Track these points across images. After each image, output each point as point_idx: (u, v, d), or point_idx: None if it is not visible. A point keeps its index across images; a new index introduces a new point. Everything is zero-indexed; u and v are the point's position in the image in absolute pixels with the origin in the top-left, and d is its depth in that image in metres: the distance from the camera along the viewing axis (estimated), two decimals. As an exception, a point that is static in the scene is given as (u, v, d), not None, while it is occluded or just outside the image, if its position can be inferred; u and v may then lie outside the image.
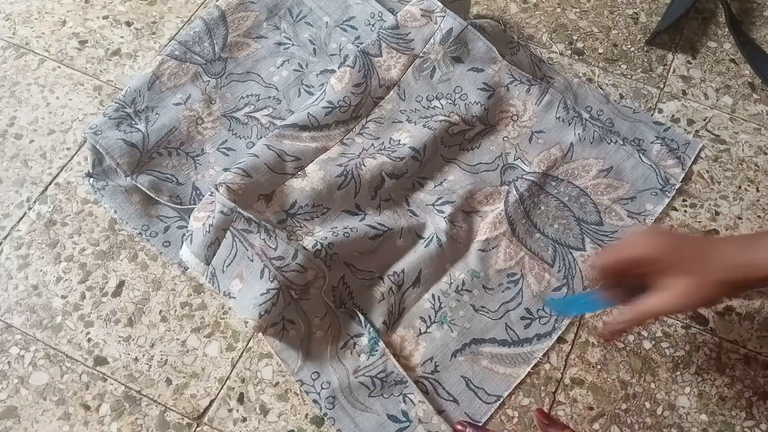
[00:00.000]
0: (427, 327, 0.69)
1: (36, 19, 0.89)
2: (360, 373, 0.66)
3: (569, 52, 0.88)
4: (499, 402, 0.66)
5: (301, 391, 0.66)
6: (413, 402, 0.65)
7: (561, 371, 0.68)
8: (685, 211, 0.76)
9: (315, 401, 0.65)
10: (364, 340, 0.67)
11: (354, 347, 0.67)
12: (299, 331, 0.67)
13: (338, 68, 0.80)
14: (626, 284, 0.59)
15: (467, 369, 0.67)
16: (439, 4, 0.80)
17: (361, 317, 0.68)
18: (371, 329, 0.67)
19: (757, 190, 0.78)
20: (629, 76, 0.86)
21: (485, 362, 0.67)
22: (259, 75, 0.83)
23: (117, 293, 0.71)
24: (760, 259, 0.53)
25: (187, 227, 0.71)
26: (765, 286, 0.58)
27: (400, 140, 0.77)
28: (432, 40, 0.79)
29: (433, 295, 0.70)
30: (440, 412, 0.65)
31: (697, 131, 0.82)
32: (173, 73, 0.81)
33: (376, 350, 0.66)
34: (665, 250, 0.56)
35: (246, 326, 0.69)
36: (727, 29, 0.90)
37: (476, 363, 0.68)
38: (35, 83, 0.84)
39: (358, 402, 0.65)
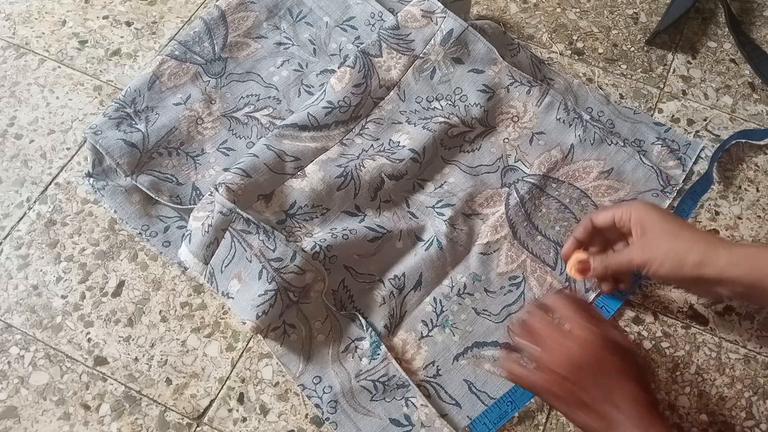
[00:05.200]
0: (429, 330, 0.69)
1: (36, 19, 0.89)
2: (362, 377, 0.66)
3: (569, 52, 0.88)
4: (501, 405, 0.66)
5: (302, 393, 0.66)
6: (415, 406, 0.65)
7: (561, 372, 0.68)
8: (685, 211, 0.76)
9: (317, 405, 0.65)
10: (365, 344, 0.67)
11: (355, 351, 0.67)
12: (300, 335, 0.67)
13: (338, 68, 0.80)
14: (601, 241, 0.69)
15: (469, 372, 0.67)
16: (440, 4, 0.79)
17: (363, 321, 0.68)
18: (373, 333, 0.67)
19: (757, 190, 0.78)
20: (629, 76, 0.86)
21: (487, 365, 0.67)
22: (259, 75, 0.83)
23: (117, 293, 0.71)
24: (709, 264, 0.59)
25: (186, 227, 0.71)
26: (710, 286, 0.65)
27: (399, 142, 0.77)
28: (432, 41, 0.79)
29: (434, 299, 0.70)
30: (443, 415, 0.65)
31: (697, 131, 0.82)
32: (173, 73, 0.81)
33: (378, 354, 0.66)
34: (649, 213, 0.63)
35: (244, 326, 0.69)
36: (727, 29, 0.90)
37: (478, 366, 0.67)
38: (35, 83, 0.84)
39: (360, 406, 0.65)
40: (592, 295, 0.71)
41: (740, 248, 0.60)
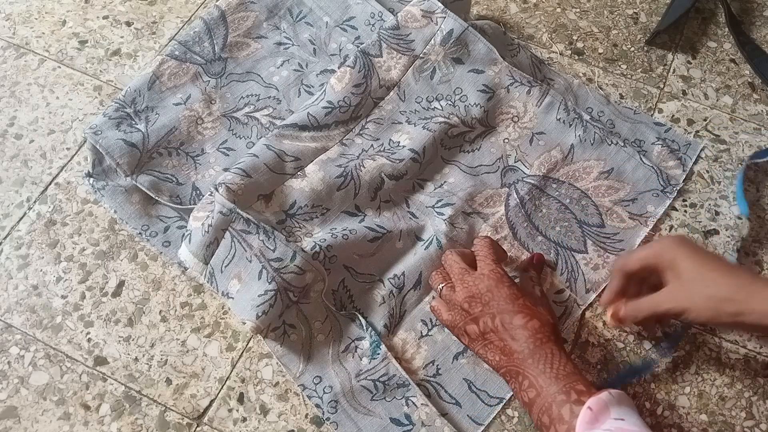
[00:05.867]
0: (429, 330, 0.69)
1: (36, 19, 0.89)
2: (362, 377, 0.66)
3: (569, 52, 0.88)
4: (502, 404, 0.66)
5: (302, 393, 0.66)
6: (416, 405, 0.65)
7: (561, 372, 0.68)
8: (685, 211, 0.76)
9: (318, 406, 0.65)
10: (365, 344, 0.67)
11: (356, 351, 0.67)
12: (300, 336, 0.67)
13: (338, 68, 0.80)
14: (636, 287, 0.65)
15: (469, 371, 0.67)
16: (440, 4, 0.79)
17: (362, 321, 0.68)
18: (372, 333, 0.67)
19: (757, 190, 0.78)
20: (629, 76, 0.86)
21: (487, 364, 0.67)
22: (259, 75, 0.83)
23: (117, 293, 0.71)
24: (747, 313, 0.57)
25: (186, 227, 0.71)
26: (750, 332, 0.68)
27: (399, 142, 0.77)
28: (432, 41, 0.79)
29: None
30: (443, 414, 0.65)
31: (697, 131, 0.82)
32: (173, 73, 0.81)
33: (378, 354, 0.66)
34: (681, 254, 0.60)
35: (244, 326, 0.69)
36: (727, 29, 0.90)
37: (478, 365, 0.67)
38: (35, 83, 0.84)
39: (361, 406, 0.65)
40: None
41: None
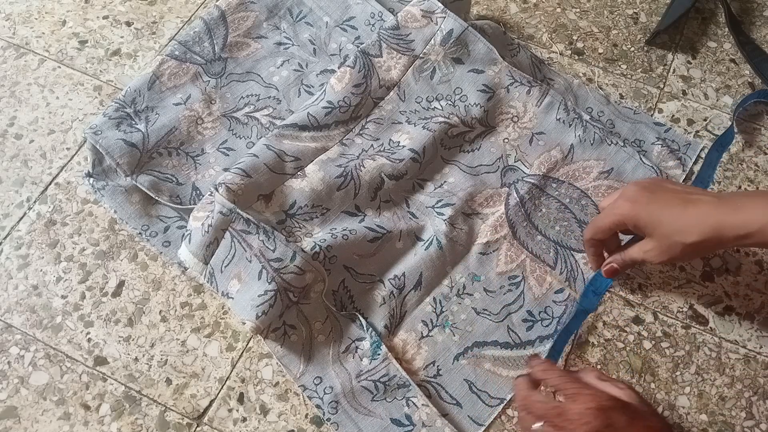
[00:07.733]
0: (429, 330, 0.69)
1: (36, 19, 0.89)
2: (362, 378, 0.66)
3: (569, 52, 0.88)
4: (503, 404, 0.66)
5: (302, 394, 0.66)
6: (417, 405, 0.65)
7: (561, 372, 0.68)
8: (685, 211, 0.76)
9: (318, 406, 0.65)
10: (366, 344, 0.67)
11: (356, 351, 0.67)
12: (300, 336, 0.67)
13: (338, 68, 0.80)
14: (614, 244, 0.68)
15: (470, 372, 0.67)
16: (440, 4, 0.79)
17: (363, 321, 0.68)
18: (373, 333, 0.67)
19: (757, 190, 0.78)
20: (629, 76, 0.86)
21: (488, 365, 0.67)
22: (259, 75, 0.83)
23: (117, 293, 0.71)
24: (725, 243, 0.59)
25: (186, 227, 0.71)
26: (743, 246, 0.69)
27: (399, 142, 0.77)
28: (432, 41, 0.79)
29: (434, 299, 0.70)
30: (444, 415, 0.65)
31: (697, 131, 0.82)
32: (173, 73, 0.81)
33: (379, 354, 0.66)
34: (640, 211, 0.62)
35: (244, 326, 0.69)
36: (727, 29, 0.90)
37: (479, 366, 0.68)
38: (35, 83, 0.84)
39: (362, 406, 0.65)
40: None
41: (750, 204, 0.58)
